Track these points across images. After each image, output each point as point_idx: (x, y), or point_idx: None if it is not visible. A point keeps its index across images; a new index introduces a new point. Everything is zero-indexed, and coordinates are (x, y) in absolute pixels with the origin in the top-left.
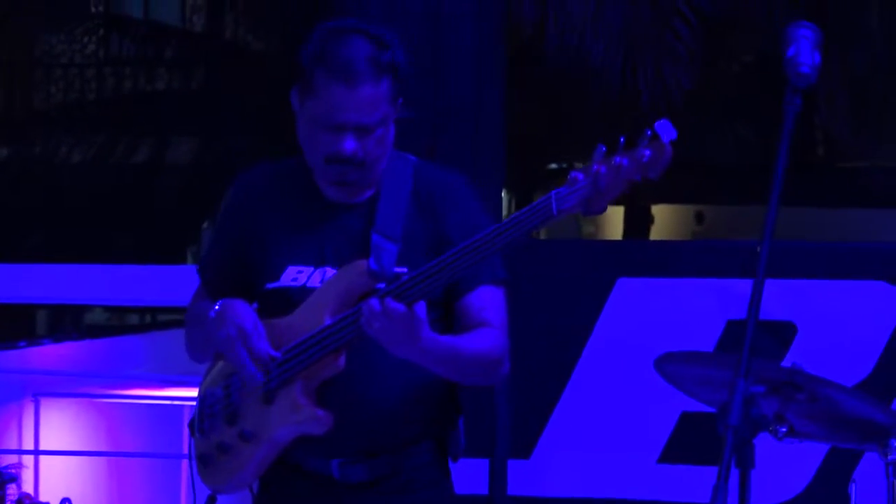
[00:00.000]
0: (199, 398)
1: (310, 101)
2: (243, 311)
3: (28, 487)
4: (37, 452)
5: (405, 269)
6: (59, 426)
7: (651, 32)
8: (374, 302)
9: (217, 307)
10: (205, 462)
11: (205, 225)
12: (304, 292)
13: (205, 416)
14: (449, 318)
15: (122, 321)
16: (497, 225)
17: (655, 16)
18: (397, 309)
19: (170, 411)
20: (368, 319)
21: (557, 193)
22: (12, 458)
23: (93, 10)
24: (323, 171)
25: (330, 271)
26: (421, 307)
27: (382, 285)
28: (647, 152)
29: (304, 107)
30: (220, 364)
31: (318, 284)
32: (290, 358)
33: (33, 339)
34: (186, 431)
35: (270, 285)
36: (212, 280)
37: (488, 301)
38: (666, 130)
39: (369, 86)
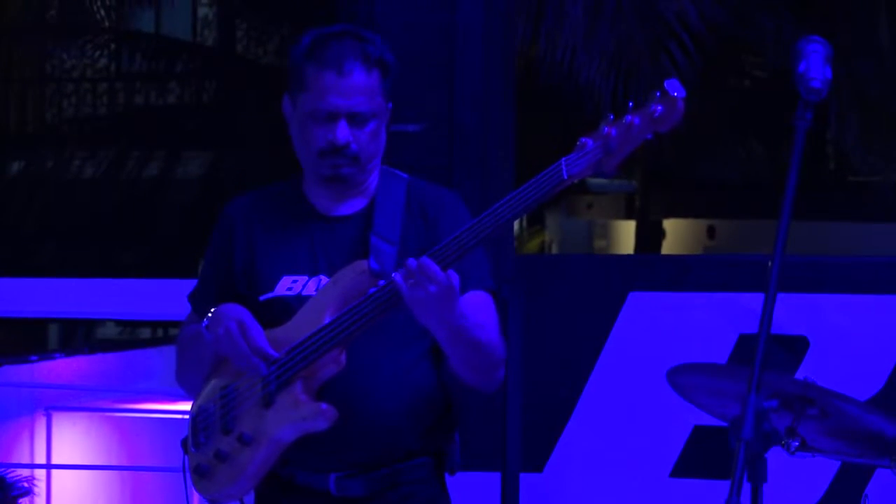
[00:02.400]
0: (192, 416)
1: (301, 95)
2: (240, 310)
3: (40, 502)
4: (49, 466)
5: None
6: (71, 440)
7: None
8: (411, 261)
9: (210, 314)
10: (201, 473)
11: None
12: (299, 300)
13: (199, 430)
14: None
15: (134, 335)
16: (512, 193)
17: (651, 35)
18: (437, 270)
19: (182, 425)
20: (410, 278)
21: (567, 159)
22: (25, 473)
23: (104, 24)
24: (317, 167)
25: (324, 280)
26: (455, 279)
27: (383, 283)
28: (659, 107)
29: (296, 105)
30: (213, 382)
31: (313, 293)
32: (289, 359)
33: (45, 353)
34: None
35: (265, 297)
36: (204, 308)
37: (481, 305)
38: (675, 88)
39: (360, 74)
